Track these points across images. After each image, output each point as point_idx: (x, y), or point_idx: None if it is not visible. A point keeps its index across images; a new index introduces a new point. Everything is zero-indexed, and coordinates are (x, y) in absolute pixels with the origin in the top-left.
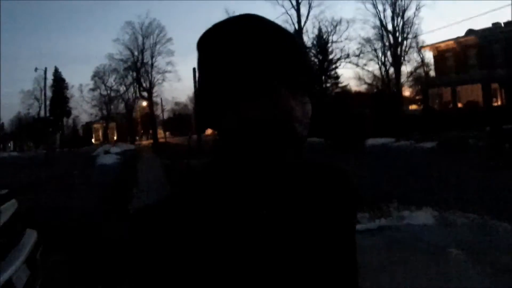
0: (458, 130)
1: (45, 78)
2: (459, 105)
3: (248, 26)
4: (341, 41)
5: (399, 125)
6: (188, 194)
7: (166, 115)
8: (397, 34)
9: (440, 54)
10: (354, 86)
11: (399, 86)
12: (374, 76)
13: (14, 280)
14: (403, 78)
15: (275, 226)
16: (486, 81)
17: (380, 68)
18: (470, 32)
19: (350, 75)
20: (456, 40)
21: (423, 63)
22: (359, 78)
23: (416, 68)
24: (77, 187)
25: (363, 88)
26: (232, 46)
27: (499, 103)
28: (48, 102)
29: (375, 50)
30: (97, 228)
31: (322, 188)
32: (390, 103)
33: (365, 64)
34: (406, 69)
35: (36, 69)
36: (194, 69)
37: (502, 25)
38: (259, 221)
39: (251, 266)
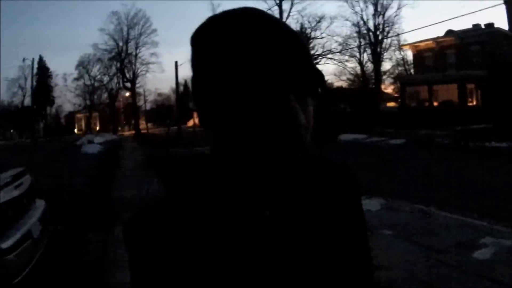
0: (431, 128)
1: (32, 68)
2: (435, 103)
3: (250, 21)
4: (323, 37)
5: (376, 121)
6: (186, 196)
7: (149, 106)
8: (378, 32)
9: (419, 53)
10: (336, 81)
11: (377, 83)
12: (355, 73)
13: (32, 231)
14: (384, 76)
15: (278, 228)
16: (462, 81)
17: (361, 65)
18: (449, 32)
19: (332, 71)
20: (435, 40)
21: (403, 62)
22: (340, 75)
23: (393, 66)
24: (65, 170)
25: (344, 84)
26: (235, 46)
27: (474, 103)
28: (32, 91)
29: (358, 47)
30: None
31: (326, 187)
32: (368, 100)
33: (346, 61)
34: (387, 67)
35: (24, 59)
36: (176, 62)
37: (483, 26)
38: (262, 222)
39: (254, 268)
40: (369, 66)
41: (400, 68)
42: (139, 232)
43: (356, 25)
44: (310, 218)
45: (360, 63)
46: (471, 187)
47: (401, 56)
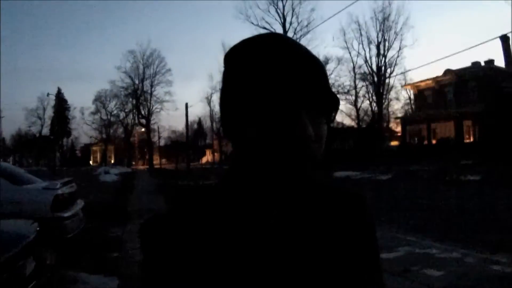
0: (422, 164)
1: (56, 102)
2: (433, 141)
3: (274, 46)
4: (329, 78)
5: (373, 158)
6: (200, 203)
7: (163, 142)
8: (381, 73)
9: (420, 92)
10: (344, 120)
11: (380, 122)
12: (361, 112)
13: (78, 212)
14: (393, 115)
15: (285, 237)
16: (459, 118)
17: (355, 106)
18: (447, 71)
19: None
20: (434, 79)
21: (410, 101)
22: (348, 114)
23: (403, 106)
24: (89, 189)
25: (351, 122)
26: (258, 65)
27: (471, 139)
28: (49, 122)
29: (366, 86)
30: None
31: (337, 210)
32: (368, 138)
33: (355, 100)
34: (396, 106)
35: (48, 94)
36: (186, 104)
37: (483, 63)
38: (269, 231)
39: (259, 274)
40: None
41: (407, 107)
42: (153, 233)
43: (360, 67)
44: (316, 232)
45: (355, 104)
46: (426, 210)
47: (408, 96)
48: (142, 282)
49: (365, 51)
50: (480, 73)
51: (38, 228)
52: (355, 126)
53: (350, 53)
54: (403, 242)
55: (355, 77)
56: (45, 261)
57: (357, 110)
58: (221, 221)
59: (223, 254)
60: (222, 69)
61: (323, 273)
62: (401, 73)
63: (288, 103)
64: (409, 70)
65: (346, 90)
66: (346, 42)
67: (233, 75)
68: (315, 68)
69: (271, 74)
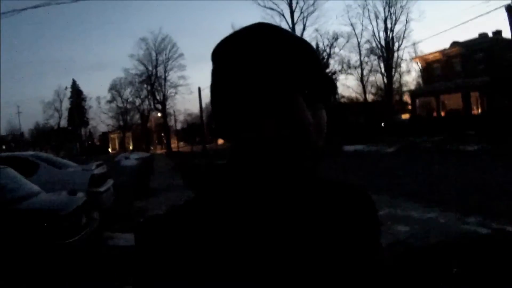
0: (428, 136)
1: (72, 94)
2: (442, 113)
3: (262, 35)
4: (336, 55)
5: (382, 132)
6: (197, 206)
7: (179, 126)
8: (389, 47)
9: (428, 65)
10: (356, 94)
11: (390, 95)
12: (373, 85)
13: (110, 188)
14: (406, 87)
15: (286, 234)
16: (467, 90)
17: (361, 82)
18: (454, 43)
19: (352, 83)
20: (442, 51)
21: (421, 73)
22: (357, 88)
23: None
24: (113, 172)
25: (363, 96)
26: (246, 56)
27: (479, 110)
28: (66, 113)
29: (377, 60)
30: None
31: (339, 205)
32: (377, 112)
33: (367, 75)
34: (409, 79)
35: (66, 88)
36: (199, 88)
37: (491, 34)
38: (270, 229)
39: (258, 274)
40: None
41: (419, 80)
42: (149, 233)
43: (368, 41)
44: (319, 233)
45: (361, 80)
46: (417, 178)
47: (419, 68)
48: (137, 283)
49: (372, 26)
50: (486, 44)
51: (85, 198)
52: (367, 100)
53: (354, 30)
54: (388, 204)
55: (360, 53)
56: (93, 217)
57: (363, 85)
58: (220, 220)
59: (223, 254)
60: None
61: (325, 271)
62: (406, 46)
63: (281, 89)
64: (415, 43)
65: (354, 66)
66: (349, 19)
67: (223, 70)
68: (306, 52)
69: (260, 62)
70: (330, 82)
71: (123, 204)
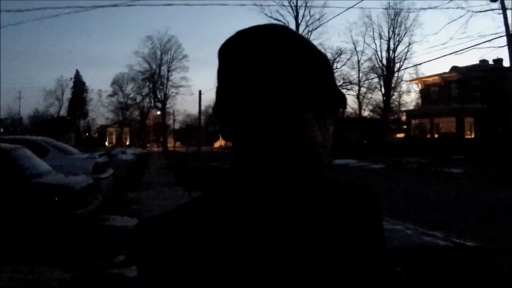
0: (416, 156)
1: (74, 84)
2: (436, 135)
3: (275, 39)
4: (338, 70)
5: (379, 149)
6: (199, 204)
7: (177, 126)
8: (390, 67)
9: (426, 87)
10: (352, 111)
11: (387, 114)
12: (368, 104)
13: (110, 176)
14: (405, 107)
15: (292, 241)
16: (461, 115)
17: (358, 98)
18: (453, 68)
19: (348, 99)
20: (441, 75)
21: (420, 94)
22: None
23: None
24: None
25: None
26: (257, 61)
27: (472, 135)
28: (67, 104)
29: (378, 78)
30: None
31: (344, 205)
32: (371, 130)
33: (365, 93)
34: (404, 98)
35: (71, 79)
36: (200, 91)
37: (491, 62)
38: (275, 235)
39: (262, 276)
40: (393, 98)
41: (418, 101)
42: (150, 231)
43: (370, 60)
44: (325, 234)
45: (358, 97)
46: (394, 194)
47: (419, 89)
48: (139, 283)
49: (375, 44)
50: (485, 72)
51: (91, 180)
52: (366, 117)
53: (355, 47)
54: None
55: (359, 70)
56: (96, 197)
57: (359, 102)
58: (222, 222)
59: (225, 256)
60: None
61: (330, 272)
62: (407, 67)
63: (293, 104)
64: (416, 65)
65: (353, 83)
66: (352, 37)
67: (230, 72)
68: (321, 63)
69: (272, 71)
70: (340, 96)
71: (119, 193)
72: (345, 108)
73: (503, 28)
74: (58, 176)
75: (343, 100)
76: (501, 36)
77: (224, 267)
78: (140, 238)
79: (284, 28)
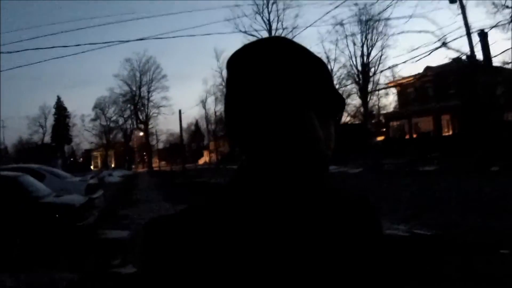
0: (396, 158)
1: (56, 111)
2: (414, 135)
3: (278, 48)
4: None
5: (359, 153)
6: (206, 206)
7: (161, 145)
8: (366, 71)
9: (403, 89)
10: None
11: (366, 119)
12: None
13: (101, 197)
14: (383, 110)
15: (295, 242)
16: (438, 113)
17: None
18: (427, 68)
19: None
20: (415, 76)
21: (397, 96)
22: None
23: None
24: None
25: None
26: (262, 68)
27: (450, 132)
28: (50, 130)
29: (355, 84)
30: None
31: (344, 214)
32: (355, 135)
33: (346, 97)
34: (383, 101)
35: (55, 106)
36: (180, 110)
37: (465, 58)
38: (278, 241)
39: (267, 279)
40: (371, 102)
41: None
42: (157, 234)
43: (345, 66)
44: (326, 240)
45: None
46: (371, 192)
47: (396, 92)
48: (145, 284)
49: (349, 51)
50: (458, 69)
51: (87, 199)
52: (346, 123)
53: (328, 57)
54: None
55: (333, 78)
56: (92, 213)
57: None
58: (229, 224)
59: (232, 258)
60: (216, 73)
61: (330, 274)
62: (382, 70)
63: (296, 104)
64: (391, 67)
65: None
66: (323, 47)
67: (238, 81)
68: (320, 69)
69: (277, 76)
70: (339, 99)
71: (110, 210)
72: (343, 109)
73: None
74: (59, 196)
75: (341, 102)
76: (461, 36)
77: (228, 267)
78: (147, 237)
79: (287, 41)
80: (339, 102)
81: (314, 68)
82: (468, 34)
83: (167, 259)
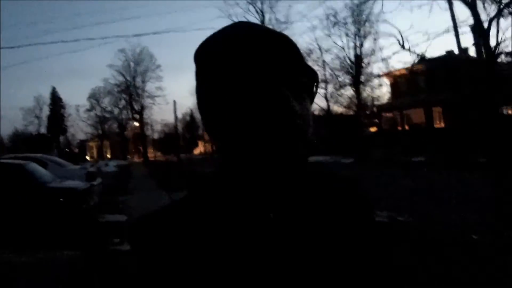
0: (387, 148)
1: (51, 101)
2: (406, 127)
3: (241, 32)
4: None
5: (352, 145)
6: (191, 200)
7: (156, 135)
8: (359, 62)
9: (395, 80)
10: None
11: (359, 110)
12: (337, 101)
13: (99, 184)
14: (376, 102)
15: (283, 231)
16: (429, 105)
17: (327, 97)
18: (421, 60)
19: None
20: (408, 68)
21: (390, 88)
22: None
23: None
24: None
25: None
26: (227, 54)
27: (442, 125)
28: (46, 120)
29: (348, 75)
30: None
31: (330, 194)
32: (345, 126)
33: (337, 90)
34: (377, 92)
35: (50, 96)
36: (174, 101)
37: (457, 52)
38: (267, 225)
39: (258, 272)
40: (365, 93)
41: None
42: (142, 232)
43: (338, 57)
44: (314, 222)
45: (325, 96)
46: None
47: (389, 83)
48: (135, 284)
49: (342, 42)
50: (450, 62)
51: (88, 185)
52: (341, 113)
53: (320, 48)
54: None
55: (324, 68)
56: (93, 197)
57: (327, 100)
58: (215, 220)
59: (218, 254)
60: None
61: (328, 271)
62: (375, 62)
63: (266, 82)
64: (383, 59)
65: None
66: (316, 40)
67: (205, 70)
68: (285, 45)
69: (243, 58)
70: (311, 72)
71: (109, 198)
72: (317, 83)
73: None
74: (63, 181)
75: (314, 74)
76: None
77: (223, 266)
78: (133, 237)
79: (248, 24)
80: (312, 75)
81: (280, 44)
82: (455, 28)
83: (155, 259)
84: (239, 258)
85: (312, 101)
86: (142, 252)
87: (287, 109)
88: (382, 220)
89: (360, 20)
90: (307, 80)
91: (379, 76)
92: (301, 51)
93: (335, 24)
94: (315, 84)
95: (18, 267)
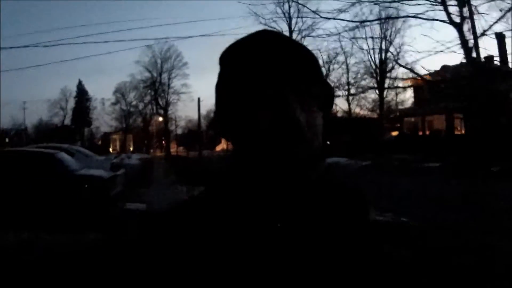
0: (406, 153)
1: (77, 93)
2: (427, 132)
3: (262, 38)
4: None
5: (372, 148)
6: (200, 202)
7: (180, 131)
8: (383, 67)
9: (418, 86)
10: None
11: (381, 114)
12: (362, 104)
13: (123, 175)
14: (401, 106)
15: (289, 240)
16: (450, 112)
17: (349, 101)
18: (443, 67)
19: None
20: (431, 74)
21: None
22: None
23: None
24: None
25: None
26: (244, 56)
27: (462, 132)
28: (71, 113)
29: (373, 79)
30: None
31: (337, 206)
32: (366, 130)
33: (360, 92)
34: (401, 97)
35: (76, 89)
36: (198, 98)
37: (483, 59)
38: (273, 234)
39: (262, 279)
40: (389, 97)
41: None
42: (151, 230)
43: (363, 61)
44: (322, 233)
45: (347, 98)
46: (368, 184)
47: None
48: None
49: (368, 45)
50: (474, 70)
51: (113, 174)
52: (364, 116)
53: (343, 51)
54: None
55: (347, 72)
56: (117, 186)
57: (349, 103)
58: (224, 222)
59: (224, 258)
60: None
61: (322, 271)
62: (402, 65)
63: (273, 83)
64: (408, 64)
65: (346, 84)
66: (340, 41)
67: (225, 72)
68: (302, 54)
69: (256, 60)
70: (326, 86)
71: (132, 189)
72: (332, 97)
73: None
74: (91, 170)
75: (328, 88)
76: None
77: (216, 266)
78: (140, 234)
79: (270, 32)
80: (326, 89)
81: (297, 54)
82: (475, 38)
83: (155, 259)
84: (243, 266)
85: (325, 115)
86: (145, 249)
87: (288, 115)
88: (384, 220)
89: (386, 26)
90: (320, 92)
91: (403, 80)
92: (321, 62)
93: (360, 27)
94: (329, 97)
95: (52, 245)
